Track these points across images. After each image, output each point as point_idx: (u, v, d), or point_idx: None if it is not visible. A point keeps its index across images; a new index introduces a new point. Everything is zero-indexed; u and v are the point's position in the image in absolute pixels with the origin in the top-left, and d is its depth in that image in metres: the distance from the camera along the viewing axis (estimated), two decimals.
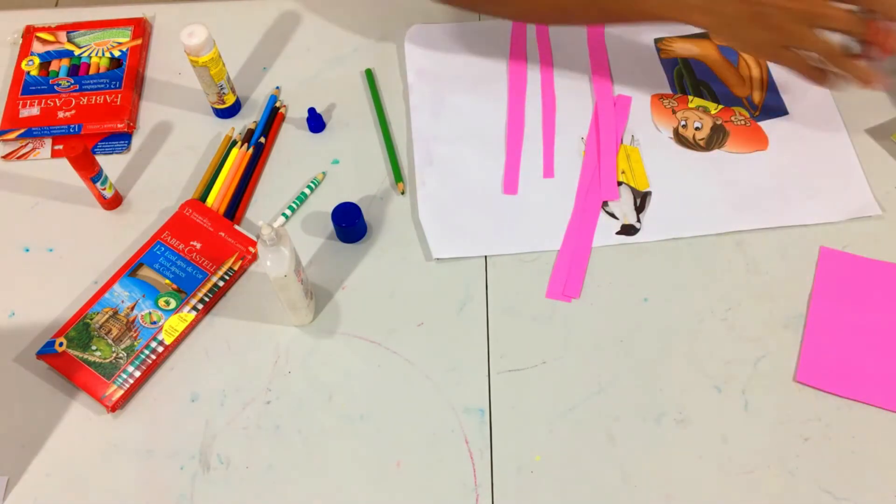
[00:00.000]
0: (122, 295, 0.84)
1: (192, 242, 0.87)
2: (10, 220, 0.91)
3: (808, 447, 0.75)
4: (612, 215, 0.89)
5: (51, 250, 0.89)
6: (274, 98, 0.98)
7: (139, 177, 0.94)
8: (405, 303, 0.84)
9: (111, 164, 0.94)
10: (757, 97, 0.96)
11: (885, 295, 0.82)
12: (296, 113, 0.98)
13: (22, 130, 0.96)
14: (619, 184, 0.91)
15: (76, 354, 0.81)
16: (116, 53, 1.02)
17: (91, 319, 0.83)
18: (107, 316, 0.83)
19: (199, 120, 0.98)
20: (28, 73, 1.00)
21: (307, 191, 0.91)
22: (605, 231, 0.88)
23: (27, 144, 0.96)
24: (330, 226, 0.89)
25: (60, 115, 0.97)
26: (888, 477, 0.74)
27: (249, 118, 0.98)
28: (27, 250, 0.89)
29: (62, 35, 1.04)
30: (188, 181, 0.93)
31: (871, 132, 0.93)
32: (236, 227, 0.88)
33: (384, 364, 0.81)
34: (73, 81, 0.99)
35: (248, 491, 0.75)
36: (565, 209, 0.89)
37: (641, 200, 0.90)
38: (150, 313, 0.83)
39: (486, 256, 0.87)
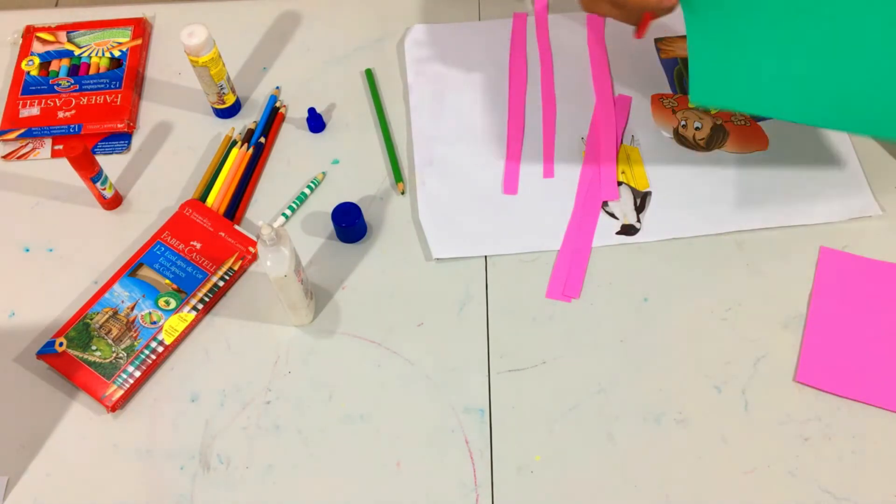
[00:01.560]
0: (122, 295, 0.84)
1: (192, 242, 0.87)
2: (10, 220, 0.91)
3: (808, 447, 0.75)
4: (612, 215, 0.89)
5: (51, 250, 0.89)
6: (274, 98, 0.98)
7: (139, 177, 0.94)
8: (405, 303, 0.84)
9: (111, 164, 0.94)
10: None
11: (885, 295, 0.82)
12: (296, 113, 0.98)
13: (22, 130, 0.96)
14: (619, 184, 0.91)
15: (76, 354, 0.81)
16: (116, 53, 1.02)
17: (91, 319, 0.83)
18: (107, 316, 0.83)
19: (199, 120, 0.98)
20: (28, 73, 1.00)
21: (307, 191, 0.91)
22: (605, 231, 0.88)
23: (27, 144, 0.96)
24: (330, 226, 0.89)
25: (60, 115, 0.97)
26: (888, 477, 0.74)
27: (249, 118, 0.98)
28: (27, 250, 0.89)
29: (62, 35, 1.04)
30: (188, 181, 0.93)
31: None
32: (236, 227, 0.88)
33: (384, 364, 0.81)
34: (73, 81, 0.99)
35: (248, 491, 0.75)
36: (565, 209, 0.89)
37: (641, 200, 0.90)
38: (150, 313, 0.83)
39: (486, 256, 0.87)
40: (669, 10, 0.82)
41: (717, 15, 0.81)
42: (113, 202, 0.91)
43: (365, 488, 0.75)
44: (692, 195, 0.90)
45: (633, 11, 0.83)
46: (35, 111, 0.97)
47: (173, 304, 0.83)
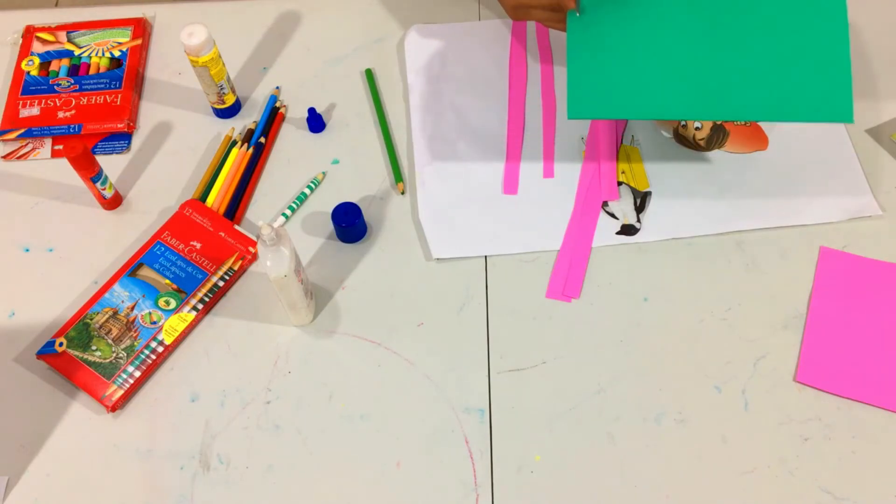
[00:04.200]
0: (122, 295, 0.84)
1: (192, 242, 0.87)
2: (10, 220, 0.91)
3: (808, 447, 0.75)
4: (612, 215, 0.89)
5: (51, 250, 0.89)
6: (274, 98, 0.98)
7: (139, 177, 0.94)
8: (405, 303, 0.84)
9: (111, 164, 0.94)
10: None
11: (885, 295, 0.82)
12: (296, 113, 0.98)
13: (22, 130, 0.96)
14: (619, 184, 0.91)
15: (76, 354, 0.81)
16: (116, 53, 1.02)
17: (91, 319, 0.83)
18: (107, 316, 0.83)
19: (199, 120, 0.98)
20: (28, 73, 1.00)
21: (307, 191, 0.91)
22: (605, 231, 0.88)
23: (27, 144, 0.96)
24: (330, 226, 0.89)
25: (60, 115, 0.97)
26: (888, 477, 0.74)
27: (249, 118, 0.98)
28: (27, 250, 0.89)
29: (62, 35, 1.04)
30: (188, 181, 0.93)
31: (871, 132, 0.93)
32: (236, 227, 0.88)
33: (384, 364, 0.81)
34: (73, 81, 0.99)
35: (248, 491, 0.75)
36: (565, 209, 0.89)
37: (641, 200, 0.90)
38: (150, 313, 0.83)
39: (486, 256, 0.87)
40: None
41: (595, 31, 0.83)
42: (113, 202, 0.91)
43: (365, 488, 0.75)
44: (692, 195, 0.90)
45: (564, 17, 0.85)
46: (35, 111, 0.97)
47: (173, 304, 0.83)
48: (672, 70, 0.82)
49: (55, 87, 0.99)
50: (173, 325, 0.82)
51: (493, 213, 0.89)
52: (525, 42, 1.02)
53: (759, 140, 0.93)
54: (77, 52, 1.02)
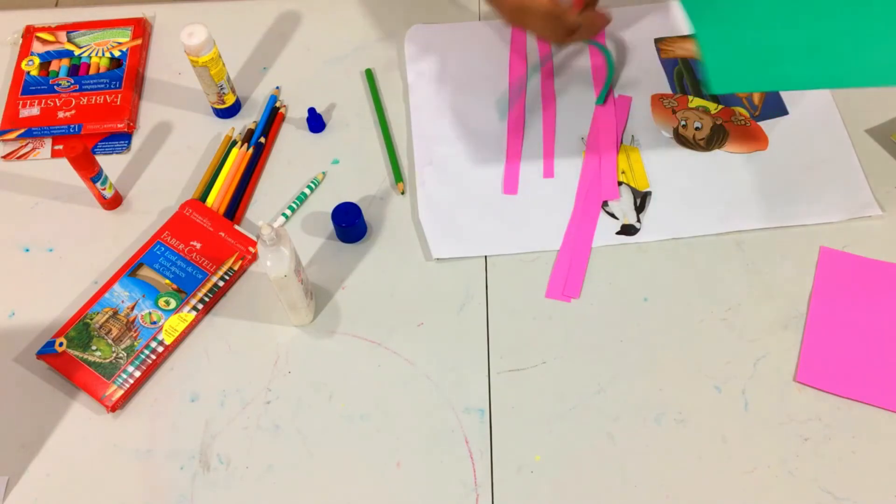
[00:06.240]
0: (122, 295, 0.84)
1: (192, 242, 0.87)
2: (10, 220, 0.91)
3: (808, 447, 0.75)
4: (612, 215, 0.89)
5: (51, 250, 0.89)
6: (274, 98, 0.98)
7: (139, 177, 0.94)
8: (405, 303, 0.84)
9: (111, 164, 0.94)
10: (757, 97, 0.96)
11: (885, 295, 0.82)
12: (296, 113, 0.98)
13: (22, 130, 0.96)
14: (619, 184, 0.91)
15: (76, 354, 0.81)
16: (116, 53, 1.02)
17: (91, 319, 0.83)
18: (107, 316, 0.83)
19: (199, 120, 0.98)
20: (28, 73, 1.00)
21: (307, 191, 0.91)
22: (605, 231, 0.88)
23: (27, 144, 0.96)
24: (330, 226, 0.89)
25: (60, 115, 0.97)
26: (888, 477, 0.74)
27: (249, 118, 0.98)
28: (27, 250, 0.89)
29: (62, 35, 1.04)
30: (188, 181, 0.93)
31: (871, 132, 0.93)
32: (236, 227, 0.88)
33: (384, 364, 0.81)
34: (73, 81, 0.99)
35: (248, 491, 0.75)
36: (565, 209, 0.89)
37: (641, 200, 0.90)
38: (150, 313, 0.83)
39: (486, 256, 0.87)
40: (595, 33, 0.91)
41: (715, 6, 0.81)
42: (113, 202, 0.91)
43: (365, 488, 0.75)
44: (692, 195, 0.90)
45: (563, 29, 0.85)
46: (35, 111, 0.97)
47: (173, 304, 0.83)
48: (800, 38, 0.78)
49: (55, 87, 0.99)
50: (173, 325, 0.82)
51: (493, 213, 0.89)
52: (525, 42, 1.02)
53: (758, 140, 0.93)
54: (77, 52, 1.02)
